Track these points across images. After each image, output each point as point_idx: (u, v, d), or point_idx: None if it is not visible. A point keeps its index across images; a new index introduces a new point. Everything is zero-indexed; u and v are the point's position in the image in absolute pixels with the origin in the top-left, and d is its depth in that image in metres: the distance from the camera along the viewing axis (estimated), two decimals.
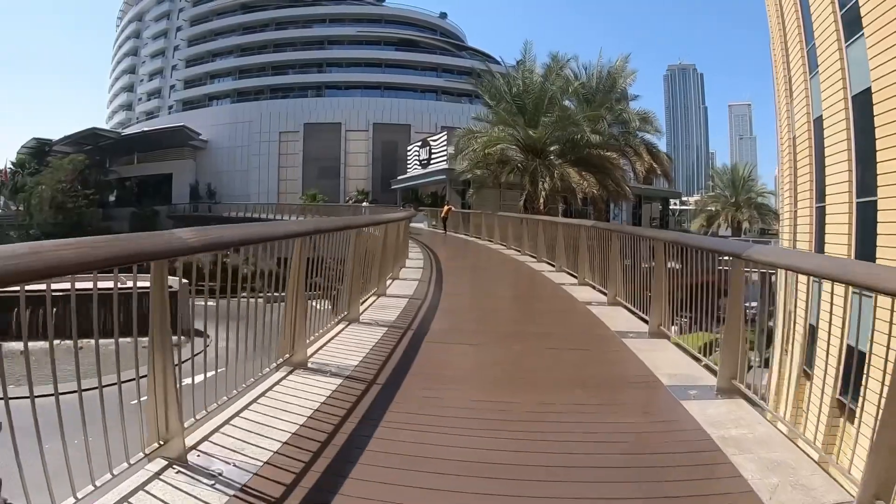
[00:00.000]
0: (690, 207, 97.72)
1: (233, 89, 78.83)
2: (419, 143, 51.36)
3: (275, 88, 76.77)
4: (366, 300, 7.64)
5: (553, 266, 12.83)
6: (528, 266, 14.23)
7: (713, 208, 63.54)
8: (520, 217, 19.89)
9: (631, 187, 33.05)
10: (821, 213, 14.22)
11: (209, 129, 72.25)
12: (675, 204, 73.71)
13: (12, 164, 73.76)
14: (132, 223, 61.28)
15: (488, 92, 30.51)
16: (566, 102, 29.78)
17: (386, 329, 6.36)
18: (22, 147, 78.05)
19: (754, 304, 4.89)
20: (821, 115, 14.22)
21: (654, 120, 34.51)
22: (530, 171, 26.69)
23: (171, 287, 3.18)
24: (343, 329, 6.19)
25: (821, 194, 14.29)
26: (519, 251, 17.46)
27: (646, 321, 6.75)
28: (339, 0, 79.84)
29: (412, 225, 32.87)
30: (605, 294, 8.70)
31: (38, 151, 70.22)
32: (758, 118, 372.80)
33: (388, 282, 9.43)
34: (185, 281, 3.81)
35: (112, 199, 71.15)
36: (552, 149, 28.02)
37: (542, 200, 25.36)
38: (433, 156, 46.80)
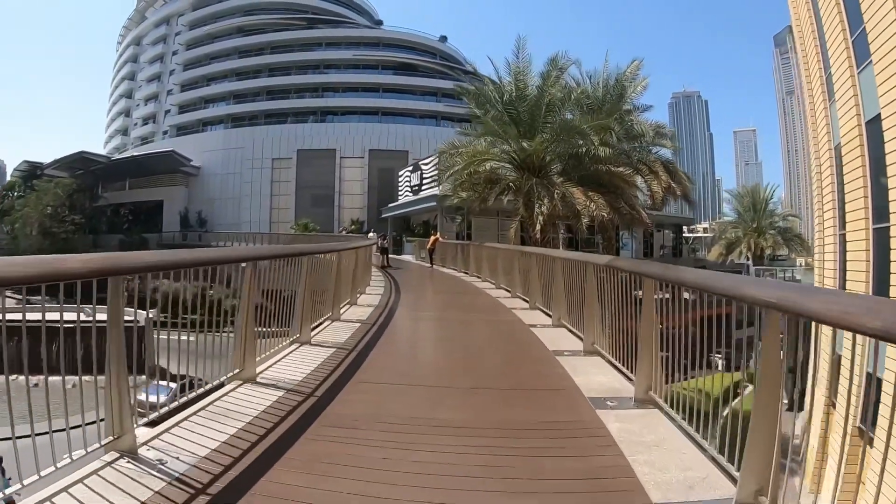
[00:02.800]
0: (702, 234, 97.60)
1: (227, 114, 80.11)
2: (410, 168, 49.93)
3: (270, 114, 77.70)
4: (320, 324, 8.58)
5: (549, 316, 10.00)
6: (516, 318, 10.57)
7: (733, 234, 59.13)
8: (509, 249, 16.22)
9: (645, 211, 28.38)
10: (843, 241, 14.34)
11: (201, 156, 73.20)
12: (687, 231, 70.69)
13: (2, 187, 75.47)
14: (120, 251, 61.89)
15: (475, 99, 26.72)
16: (568, 115, 25.66)
17: (333, 350, 7.19)
18: (14, 170, 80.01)
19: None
20: (839, 143, 14.48)
21: (671, 133, 31.66)
22: (525, 192, 23.09)
23: (137, 322, 4.02)
24: (295, 349, 7.06)
25: (842, 221, 14.42)
26: (509, 292, 14.41)
27: None
28: (337, 24, 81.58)
29: (397, 257, 33.40)
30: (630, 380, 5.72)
31: (30, 175, 72.00)
32: (763, 144, 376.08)
33: (345, 307, 10.54)
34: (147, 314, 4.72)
35: (104, 225, 72.18)
36: (552, 165, 24.77)
37: (538, 227, 22.06)
38: (424, 181, 44.63)
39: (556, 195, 22.50)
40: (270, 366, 6.17)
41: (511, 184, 24.26)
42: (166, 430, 4.11)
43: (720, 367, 4.86)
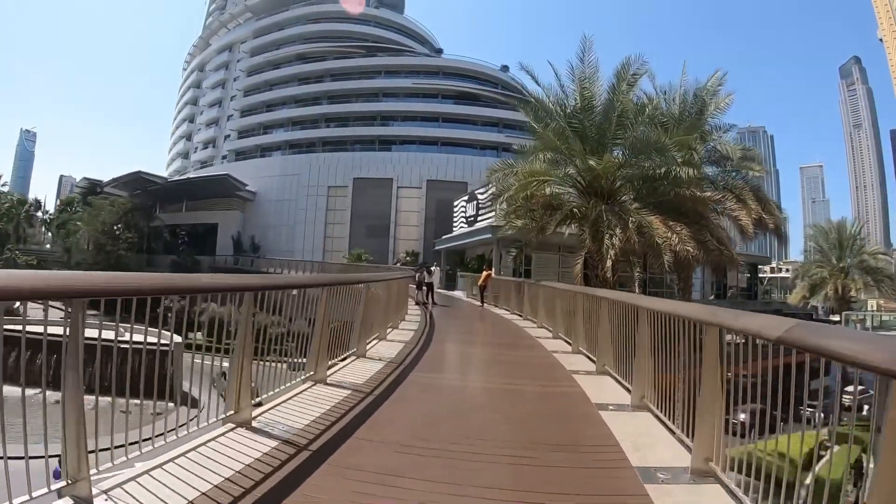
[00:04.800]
0: (775, 275, 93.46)
1: (284, 141, 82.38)
2: (466, 198, 48.79)
3: (327, 141, 79.20)
4: (343, 359, 8.16)
5: (626, 390, 7.07)
6: (578, 390, 7.55)
7: (818, 274, 53.52)
8: (570, 291, 12.77)
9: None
10: None
11: (258, 181, 74.93)
12: (762, 271, 67.59)
13: (60, 202, 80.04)
14: (172, 271, 63.95)
15: (533, 113, 23.07)
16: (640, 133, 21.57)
17: (349, 392, 6.62)
18: (74, 186, 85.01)
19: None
20: None
21: (759, 156, 27.52)
22: (592, 220, 19.83)
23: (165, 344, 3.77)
24: (306, 389, 6.55)
25: None
26: (569, 345, 11.53)
27: None
28: (396, 52, 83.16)
29: (448, 293, 32.57)
30: None
31: (89, 191, 76.55)
32: (830, 181, 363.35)
33: (373, 342, 10.03)
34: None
35: (160, 245, 75.14)
36: (623, 190, 21.62)
37: (609, 264, 18.49)
38: (480, 211, 42.99)
39: (630, 225, 19.03)
40: (273, 407, 5.69)
41: (575, 210, 21.16)
42: (132, 479, 3.68)
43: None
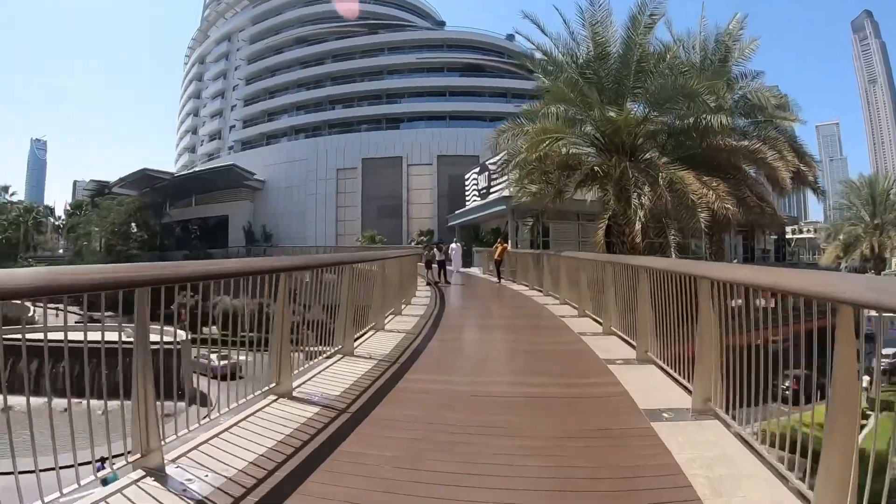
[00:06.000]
0: (801, 236, 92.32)
1: (290, 127, 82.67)
2: (477, 170, 48.00)
3: (333, 124, 79.44)
4: (364, 334, 8.79)
5: (682, 387, 5.88)
6: (621, 389, 6.14)
7: (852, 232, 52.07)
8: (597, 261, 11.48)
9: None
10: None
11: (266, 170, 75.49)
12: (789, 232, 65.13)
13: (70, 205, 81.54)
14: None
15: (542, 67, 21.16)
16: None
17: (375, 362, 7.28)
18: (83, 189, 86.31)
19: None
20: None
21: (793, 105, 24.56)
22: (615, 179, 18.11)
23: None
24: (337, 361, 7.23)
25: None
26: (599, 324, 10.36)
27: None
28: (398, 28, 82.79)
29: (462, 270, 31.63)
30: None
31: (98, 193, 78.04)
32: (846, 138, 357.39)
33: (403, 305, 10.77)
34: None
35: (172, 241, 76.25)
36: (647, 145, 19.93)
37: (639, 227, 16.81)
38: (493, 182, 41.98)
39: (660, 181, 17.11)
40: (310, 378, 6.38)
41: (596, 169, 19.09)
42: (195, 447, 4.19)
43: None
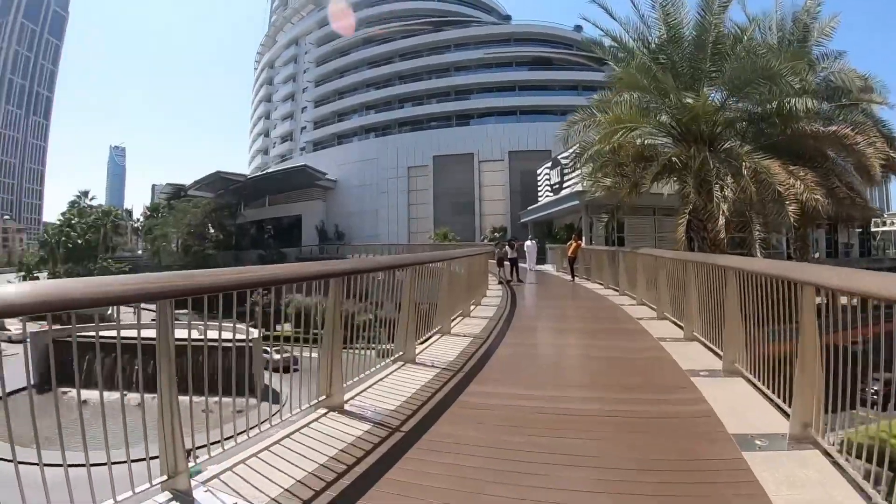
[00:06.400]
0: (884, 228, 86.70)
1: (360, 126, 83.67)
2: (549, 165, 47.19)
3: (403, 122, 79.99)
4: (429, 338, 8.30)
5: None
6: (701, 400, 5.73)
7: None
8: (672, 258, 11.01)
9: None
10: None
11: (338, 169, 76.51)
12: (873, 225, 58.90)
13: (147, 208, 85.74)
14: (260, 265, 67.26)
15: (611, 53, 20.14)
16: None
17: (438, 371, 6.77)
18: (160, 192, 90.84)
19: None
20: None
21: (879, 86, 22.63)
22: (695, 170, 17.01)
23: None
24: (396, 369, 6.78)
25: None
26: (680, 328, 9.51)
27: None
28: (464, 24, 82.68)
29: (538, 267, 31.37)
30: None
31: (174, 195, 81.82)
32: None
33: (472, 306, 10.25)
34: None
35: (247, 241, 78.78)
36: (726, 133, 18.71)
37: (723, 221, 15.70)
38: (565, 177, 40.90)
39: (744, 171, 15.95)
40: (364, 389, 5.97)
41: (674, 160, 17.91)
42: (236, 464, 3.97)
43: None
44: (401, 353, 7.14)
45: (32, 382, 3.02)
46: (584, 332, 11.57)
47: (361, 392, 5.79)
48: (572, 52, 74.32)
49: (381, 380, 6.31)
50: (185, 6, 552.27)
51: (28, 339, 3.14)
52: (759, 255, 15.75)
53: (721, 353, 6.86)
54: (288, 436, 4.51)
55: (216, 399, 4.24)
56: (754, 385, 5.74)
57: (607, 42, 20.45)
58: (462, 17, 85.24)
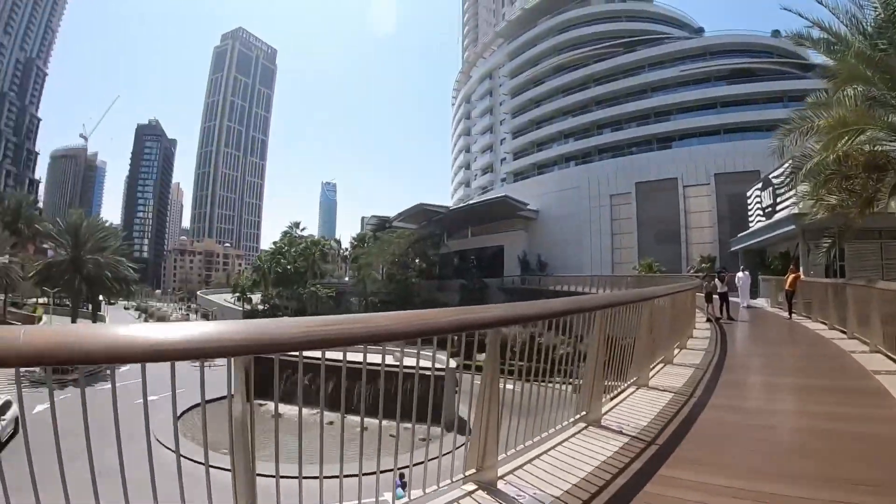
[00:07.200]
0: None
1: (559, 155, 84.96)
2: (759, 186, 42.73)
3: (602, 148, 79.50)
4: (620, 393, 7.70)
5: None
6: None
7: None
8: None
9: None
10: None
11: (539, 199, 77.40)
12: None
13: (354, 238, 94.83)
14: (462, 295, 71.81)
15: (824, 44, 16.45)
16: None
17: (624, 442, 5.78)
18: (366, 224, 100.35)
19: None
20: None
21: None
22: None
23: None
24: (576, 433, 5.93)
25: None
26: None
27: None
28: (656, 42, 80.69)
29: (751, 301, 27.23)
30: None
31: (379, 227, 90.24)
32: None
33: (676, 350, 10.35)
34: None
35: (450, 271, 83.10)
36: None
37: None
38: (778, 199, 36.97)
39: None
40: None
41: None
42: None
43: None
44: (584, 412, 6.03)
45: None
46: (806, 390, 8.94)
47: (523, 465, 4.85)
48: (773, 60, 70.97)
49: (552, 447, 5.30)
50: (385, 52, 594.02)
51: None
52: None
53: None
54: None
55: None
56: None
57: (816, 33, 16.80)
58: (653, 34, 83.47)
